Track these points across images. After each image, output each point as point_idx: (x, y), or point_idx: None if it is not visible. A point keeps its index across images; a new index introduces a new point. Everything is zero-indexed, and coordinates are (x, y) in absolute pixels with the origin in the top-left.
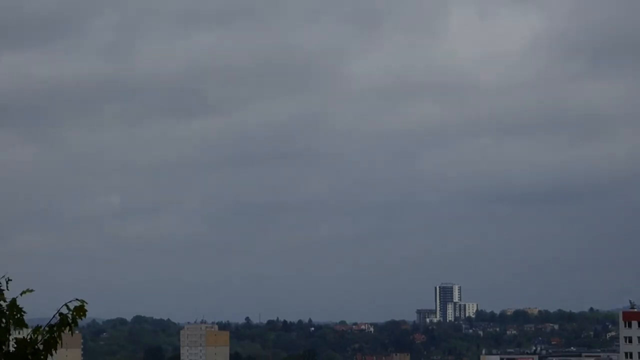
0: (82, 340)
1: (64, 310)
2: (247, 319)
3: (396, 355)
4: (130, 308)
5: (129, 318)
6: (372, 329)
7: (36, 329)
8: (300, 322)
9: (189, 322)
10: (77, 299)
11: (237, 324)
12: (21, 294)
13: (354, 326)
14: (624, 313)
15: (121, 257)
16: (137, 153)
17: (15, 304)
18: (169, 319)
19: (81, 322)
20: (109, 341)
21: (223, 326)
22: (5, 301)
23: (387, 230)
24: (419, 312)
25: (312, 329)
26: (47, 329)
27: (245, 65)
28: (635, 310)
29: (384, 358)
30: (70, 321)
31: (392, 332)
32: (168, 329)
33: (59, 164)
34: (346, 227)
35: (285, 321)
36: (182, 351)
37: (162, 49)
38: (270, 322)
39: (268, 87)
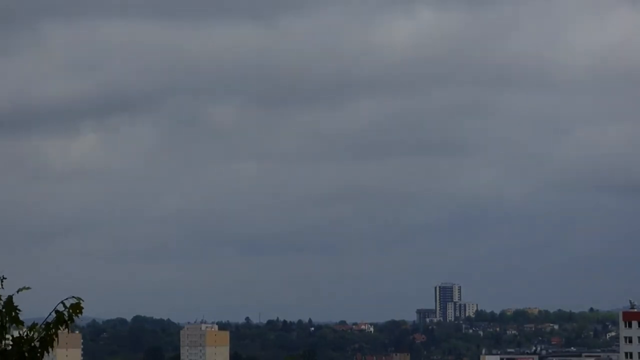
0: (82, 340)
1: (60, 308)
2: (247, 319)
3: (396, 355)
4: (130, 308)
5: (129, 318)
6: (372, 329)
7: (32, 327)
8: (300, 322)
9: (189, 322)
10: (73, 297)
11: (237, 324)
12: (17, 292)
13: (354, 326)
14: (624, 313)
15: (121, 256)
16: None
17: (12, 301)
18: (169, 319)
19: (81, 322)
20: (109, 341)
21: (223, 326)
22: (0, 299)
23: (389, 229)
24: (419, 312)
25: (312, 329)
26: (43, 326)
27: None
28: (635, 310)
29: (384, 358)
30: (66, 318)
31: (392, 332)
32: (168, 329)
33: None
34: (348, 227)
35: (285, 321)
36: (182, 351)
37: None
38: (270, 322)
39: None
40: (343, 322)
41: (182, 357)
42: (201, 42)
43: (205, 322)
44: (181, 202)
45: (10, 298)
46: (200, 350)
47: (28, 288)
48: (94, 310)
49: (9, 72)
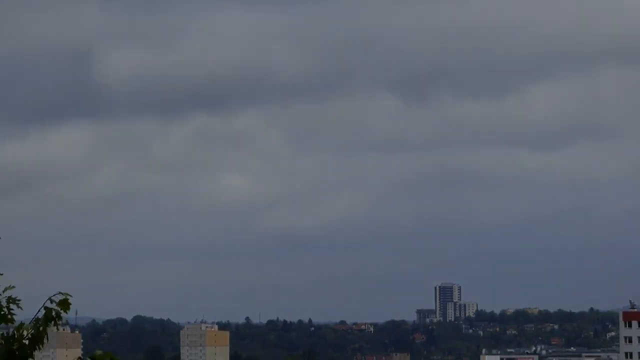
0: (82, 340)
1: (49, 305)
2: (247, 319)
3: (396, 355)
4: (130, 308)
5: (129, 318)
6: (372, 329)
7: (20, 325)
8: (300, 322)
9: (189, 322)
10: (60, 292)
11: (237, 324)
12: (3, 291)
13: (354, 326)
14: (624, 313)
15: (122, 257)
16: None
17: None
18: (169, 319)
19: (81, 322)
20: (109, 341)
21: (223, 326)
22: None
23: (391, 230)
24: (419, 312)
25: (312, 329)
26: (32, 324)
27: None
28: (635, 310)
29: (384, 358)
30: (54, 315)
31: (392, 332)
32: (168, 329)
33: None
34: (347, 226)
35: (285, 321)
36: (182, 351)
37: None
38: (270, 322)
39: None
40: (343, 322)
41: (182, 357)
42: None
43: (205, 322)
44: (204, 199)
45: None
46: (200, 350)
47: (12, 287)
48: (94, 310)
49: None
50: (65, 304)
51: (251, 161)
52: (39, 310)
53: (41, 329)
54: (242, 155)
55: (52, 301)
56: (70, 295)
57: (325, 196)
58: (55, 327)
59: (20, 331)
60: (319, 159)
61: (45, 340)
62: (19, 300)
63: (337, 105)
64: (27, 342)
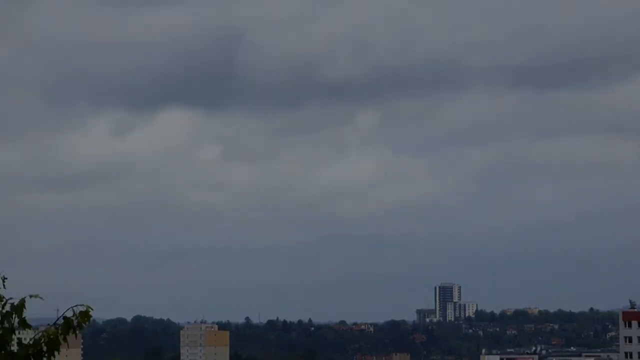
0: (82, 340)
1: (69, 314)
2: (247, 319)
3: (396, 355)
4: (130, 308)
5: (129, 318)
6: (372, 329)
7: (47, 331)
8: (300, 322)
9: (189, 322)
10: (82, 304)
11: (237, 324)
12: (30, 297)
13: (354, 326)
14: (624, 313)
15: (121, 257)
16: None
17: (23, 304)
18: (169, 319)
19: None
20: (109, 341)
21: (223, 326)
22: (2, 301)
23: (389, 230)
24: (418, 312)
25: (312, 329)
26: (51, 330)
27: None
28: (635, 310)
29: (384, 358)
30: (75, 325)
31: (392, 332)
32: (168, 329)
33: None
34: (347, 227)
35: (285, 321)
36: (182, 351)
37: None
38: (270, 322)
39: None
40: (343, 322)
41: (182, 357)
42: None
43: (205, 322)
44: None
45: (22, 301)
46: (200, 351)
47: (41, 298)
48: (94, 310)
49: None
50: (85, 316)
51: (311, 154)
52: (57, 319)
53: (61, 336)
54: (314, 146)
55: (73, 311)
56: (92, 308)
57: (345, 195)
58: (75, 336)
59: (38, 337)
60: (374, 154)
61: (63, 347)
62: (29, 325)
63: (441, 95)
64: (44, 347)
